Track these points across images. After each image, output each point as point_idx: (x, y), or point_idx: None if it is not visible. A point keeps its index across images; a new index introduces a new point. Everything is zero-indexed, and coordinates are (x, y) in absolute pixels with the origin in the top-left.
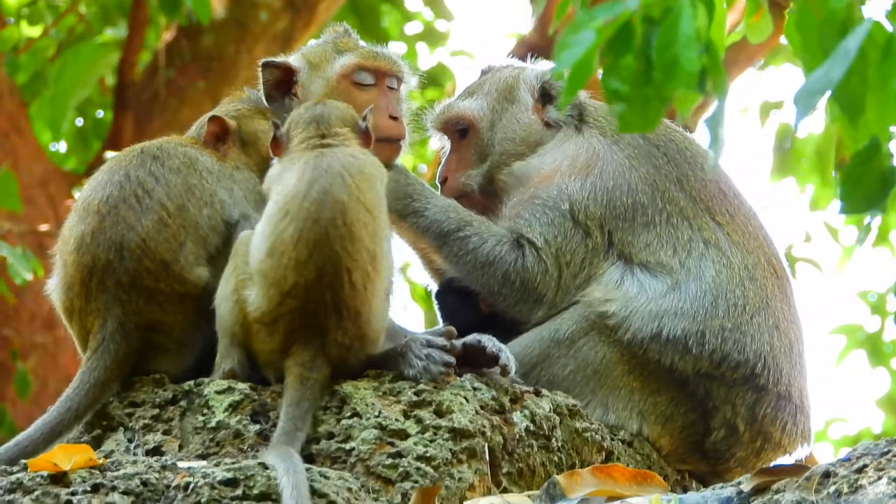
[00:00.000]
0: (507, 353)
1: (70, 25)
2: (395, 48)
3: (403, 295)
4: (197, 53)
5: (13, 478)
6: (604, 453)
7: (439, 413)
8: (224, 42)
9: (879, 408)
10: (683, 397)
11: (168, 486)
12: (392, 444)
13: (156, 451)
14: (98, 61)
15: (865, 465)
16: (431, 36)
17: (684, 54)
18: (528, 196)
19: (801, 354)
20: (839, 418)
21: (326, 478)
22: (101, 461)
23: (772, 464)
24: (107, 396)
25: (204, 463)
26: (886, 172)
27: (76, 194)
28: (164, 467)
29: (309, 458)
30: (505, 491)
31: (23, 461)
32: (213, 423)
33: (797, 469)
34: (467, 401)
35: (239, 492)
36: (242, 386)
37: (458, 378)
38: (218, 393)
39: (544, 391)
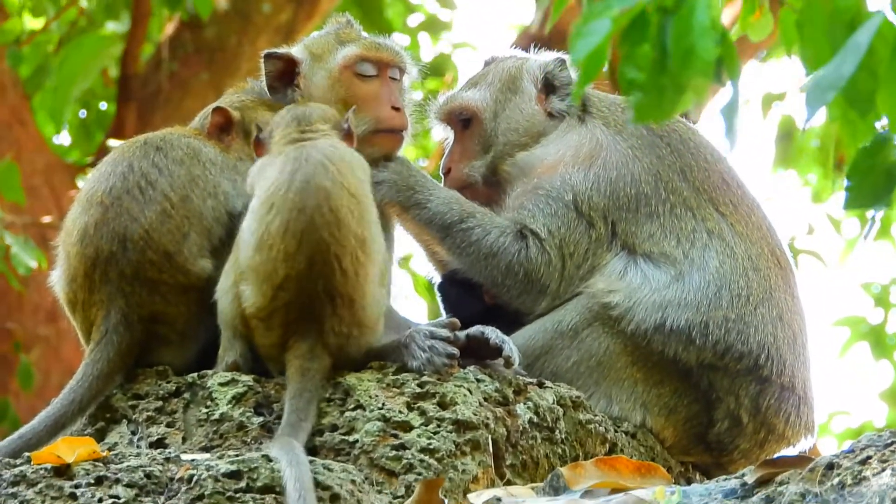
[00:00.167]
0: (511, 345)
1: (73, 18)
2: (398, 39)
3: (406, 286)
4: (200, 45)
5: (17, 470)
6: (607, 445)
7: (443, 405)
8: (227, 33)
9: (882, 400)
10: (687, 388)
11: (171, 479)
12: (396, 437)
13: (159, 444)
14: (101, 53)
15: (869, 457)
16: (434, 26)
17: (700, 43)
18: (532, 187)
19: (805, 345)
20: (842, 411)
21: (330, 470)
22: (104, 454)
23: (775, 455)
24: (110, 388)
25: (207, 455)
26: (892, 168)
27: (80, 185)
28: (167, 460)
29: (312, 450)
30: (508, 483)
31: (26, 454)
32: (216, 416)
33: (801, 461)
34: (471, 392)
35: (242, 484)
36: (246, 378)
37: (461, 370)
38: (221, 385)
39: (548, 383)
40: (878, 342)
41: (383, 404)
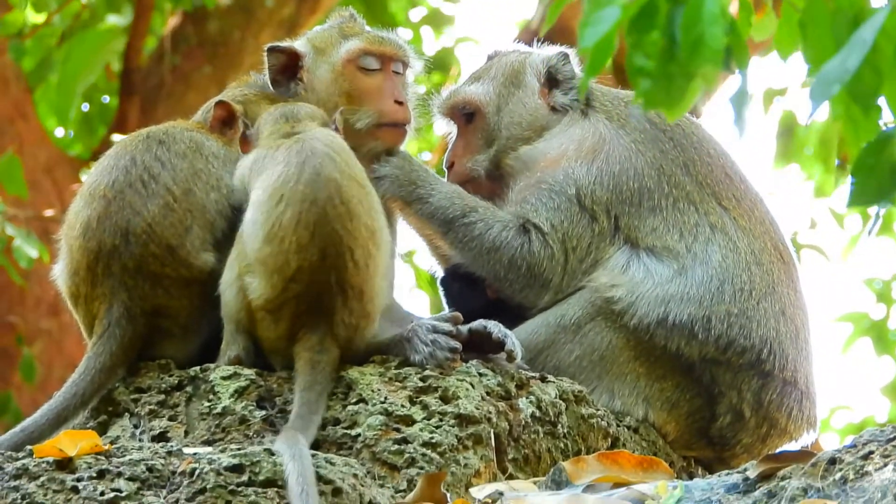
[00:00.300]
0: (513, 339)
1: (75, 11)
2: (401, 33)
3: (408, 280)
4: (203, 39)
5: (19, 464)
6: (609, 439)
7: (445, 399)
8: (230, 27)
9: (884, 396)
10: (689, 383)
11: (174, 472)
12: (398, 430)
13: (161, 437)
14: (104, 47)
15: (871, 452)
16: (437, 21)
17: (709, 31)
18: (535, 181)
19: (807, 340)
20: (843, 406)
21: (332, 464)
22: (106, 447)
23: (778, 450)
24: (112, 382)
25: (209, 449)
26: None
27: (82, 179)
28: (169, 453)
29: (314, 444)
30: (511, 477)
31: (28, 447)
32: (218, 409)
33: (803, 455)
34: (473, 387)
35: (245, 478)
36: (248, 372)
37: (463, 364)
38: (224, 379)
39: (550, 377)
40: (880, 338)
41: (385, 398)
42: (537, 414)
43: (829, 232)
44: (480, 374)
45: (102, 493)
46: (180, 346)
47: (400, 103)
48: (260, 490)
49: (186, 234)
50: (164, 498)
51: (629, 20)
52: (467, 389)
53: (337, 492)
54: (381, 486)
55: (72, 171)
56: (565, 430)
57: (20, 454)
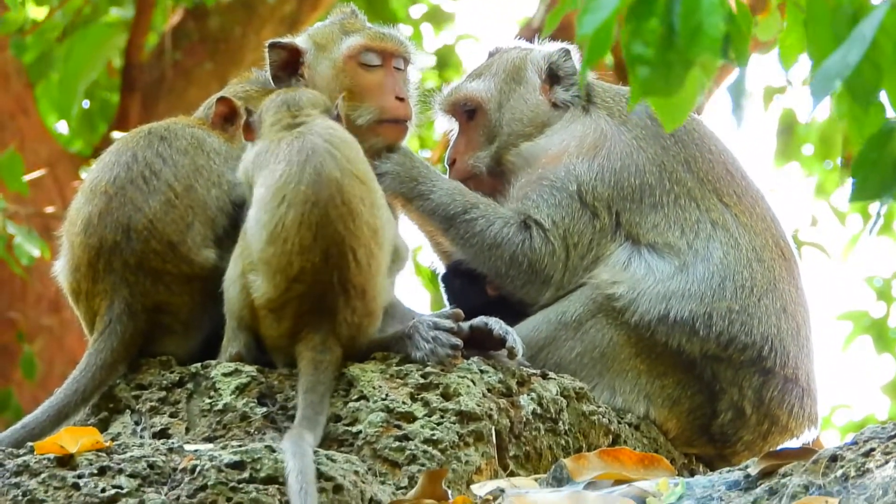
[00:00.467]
0: (514, 336)
1: (77, 7)
2: (402, 30)
3: (409, 276)
4: (204, 35)
5: (20, 460)
6: (611, 436)
7: (446, 396)
8: (231, 24)
9: (884, 394)
10: (690, 380)
11: (175, 469)
12: (399, 427)
13: (162, 434)
14: (105, 43)
15: (873, 449)
16: (437, 17)
17: (708, 20)
18: (536, 177)
19: (809, 337)
20: (844, 404)
21: (333, 461)
22: (107, 444)
23: (779, 447)
24: (113, 378)
25: (210, 446)
26: None
27: (83, 175)
28: (170, 450)
29: None
30: (512, 474)
31: (29, 444)
32: (219, 406)
33: (804, 453)
34: (474, 384)
35: (245, 475)
36: (249, 368)
37: (465, 361)
38: (225, 375)
39: (551, 374)
40: (880, 336)
41: (387, 395)
42: (538, 411)
43: (830, 230)
44: (482, 371)
45: (103, 490)
46: (181, 342)
47: (401, 100)
48: (261, 487)
49: (188, 231)
50: (165, 495)
51: (628, 8)
52: (468, 386)
53: (338, 489)
54: (382, 482)
55: (73, 168)
56: (566, 427)
57: (21, 451)
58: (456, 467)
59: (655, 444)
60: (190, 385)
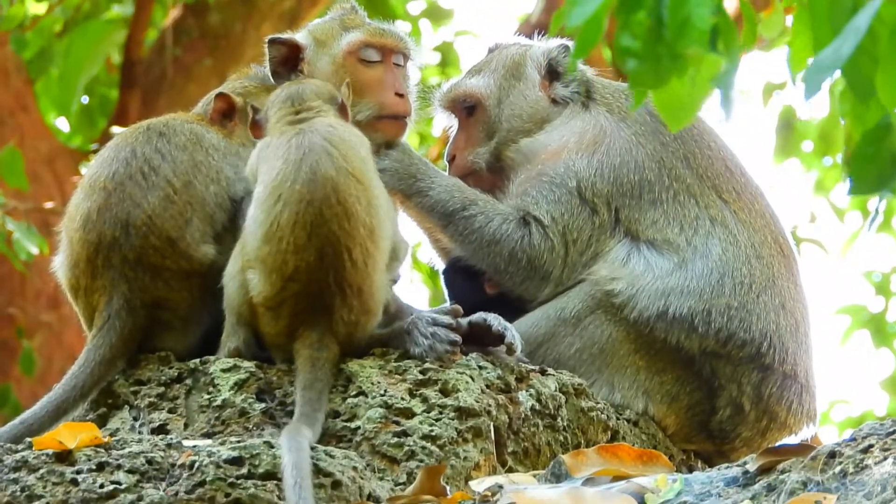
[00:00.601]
0: (513, 332)
1: (77, 3)
2: (400, 26)
3: (407, 271)
4: (204, 31)
5: (18, 456)
6: (609, 433)
7: (445, 392)
8: (231, 19)
9: (883, 389)
10: (689, 376)
11: (173, 465)
12: (397, 423)
13: (161, 430)
14: (105, 39)
15: (871, 446)
16: (436, 14)
17: (696, 12)
18: (536, 173)
19: (807, 334)
20: (842, 400)
21: (332, 457)
22: (106, 439)
23: (777, 443)
24: (112, 374)
25: (209, 441)
26: None
27: (83, 171)
28: (169, 446)
29: None
30: (510, 470)
31: (28, 439)
32: (218, 402)
33: (803, 449)
34: (473, 380)
35: (244, 470)
36: (248, 364)
37: (463, 357)
38: (223, 371)
39: (550, 370)
40: (878, 330)
41: (385, 391)
42: (537, 407)
43: (829, 226)
44: (480, 367)
45: (102, 486)
46: (180, 338)
47: (401, 95)
48: (259, 483)
49: (186, 227)
50: (164, 490)
51: (618, 1)
52: (467, 382)
53: (336, 484)
54: (381, 478)
55: (72, 164)
56: (565, 423)
57: (20, 446)
58: (454, 463)
59: (654, 440)
60: (188, 381)
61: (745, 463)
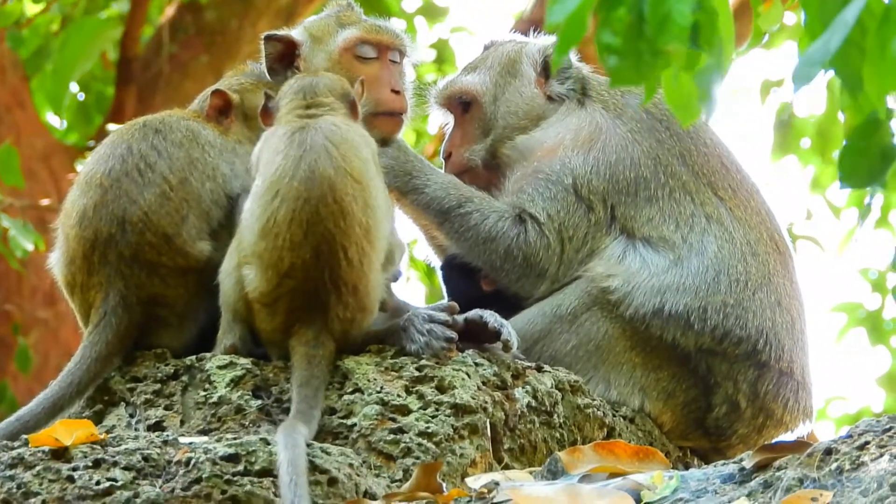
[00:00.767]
0: (509, 329)
1: (73, 1)
2: (397, 23)
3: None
4: (200, 28)
5: (14, 453)
6: (605, 429)
7: (441, 389)
8: (227, 16)
9: (879, 386)
10: (685, 373)
11: (169, 462)
12: (394, 420)
13: (157, 427)
14: (101, 36)
15: (867, 442)
16: (431, 11)
17: (676, 8)
18: (532, 170)
19: (803, 331)
20: (839, 396)
21: (328, 454)
22: (102, 436)
23: (774, 440)
24: (108, 371)
25: (205, 438)
26: (887, 148)
27: (79, 168)
28: (165, 443)
29: None
30: (507, 467)
31: (24, 436)
32: (214, 399)
33: (799, 446)
34: (469, 376)
35: (240, 467)
36: (244, 361)
37: (459, 353)
38: (220, 368)
39: (546, 367)
40: (875, 328)
41: (381, 388)
42: (533, 404)
43: (825, 223)
44: (476, 364)
45: (98, 483)
46: (176, 334)
47: (396, 92)
48: (255, 479)
49: (182, 223)
50: (160, 487)
51: None
52: (463, 379)
53: (332, 481)
54: (377, 475)
55: (68, 161)
56: (561, 420)
57: (16, 443)
58: (451, 460)
59: (650, 437)
60: (185, 377)
61: (741, 460)
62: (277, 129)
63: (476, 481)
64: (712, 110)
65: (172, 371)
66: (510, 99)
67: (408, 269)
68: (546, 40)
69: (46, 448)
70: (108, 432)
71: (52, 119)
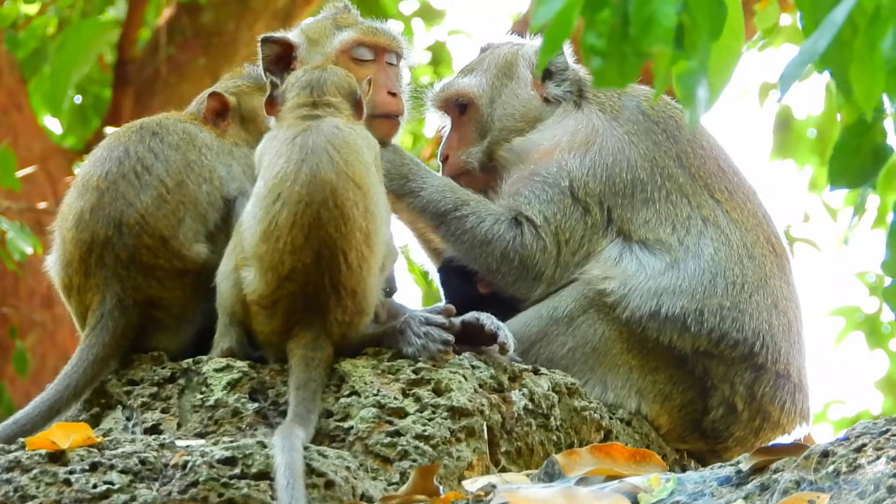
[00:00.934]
0: (506, 331)
1: (70, 2)
2: (394, 25)
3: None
4: (197, 30)
5: (11, 456)
6: (602, 432)
7: (438, 391)
8: (224, 18)
9: (878, 389)
10: (682, 376)
11: (166, 465)
12: (390, 423)
13: (154, 430)
14: (98, 38)
15: (864, 445)
16: (428, 14)
17: (661, 10)
18: (528, 173)
19: (800, 333)
20: (838, 400)
21: (325, 456)
22: (99, 439)
23: (770, 443)
24: (105, 374)
25: (202, 441)
26: (879, 148)
27: (76, 170)
28: (162, 446)
29: None
30: (503, 470)
31: (21, 439)
32: (211, 402)
33: (796, 448)
34: (466, 379)
35: (237, 470)
36: (241, 364)
37: (456, 356)
38: (216, 371)
39: (543, 369)
40: (872, 331)
41: (378, 391)
42: (530, 406)
43: (822, 225)
44: (473, 367)
45: (95, 486)
46: (173, 337)
47: (393, 94)
48: (252, 483)
49: (179, 226)
50: (157, 490)
51: (584, 0)
52: (460, 382)
53: (329, 484)
54: (374, 478)
55: (66, 163)
56: (558, 423)
57: (12, 446)
58: (447, 463)
59: (647, 439)
60: (181, 380)
61: (738, 462)
62: (279, 131)
63: (473, 484)
64: (697, 114)
65: (169, 374)
66: (507, 101)
67: (406, 271)
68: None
69: (43, 451)
70: (104, 435)
71: (49, 122)
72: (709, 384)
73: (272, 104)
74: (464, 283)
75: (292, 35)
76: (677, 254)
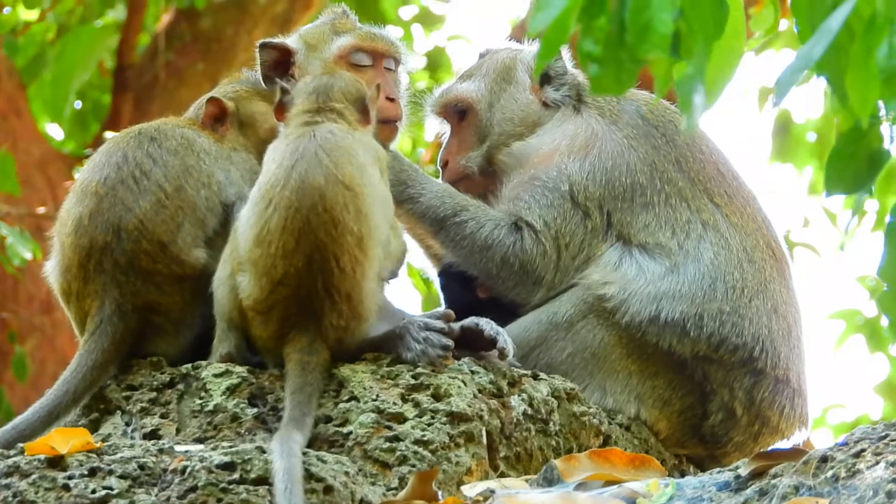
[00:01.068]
0: (505, 337)
1: (69, 8)
2: (392, 31)
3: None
4: (196, 35)
5: (10, 461)
6: (601, 437)
7: (437, 397)
8: (223, 24)
9: (877, 394)
10: (681, 381)
11: (165, 470)
12: (390, 428)
13: (153, 435)
14: (97, 44)
15: (863, 450)
16: (427, 19)
17: (657, 17)
18: (528, 177)
19: (800, 338)
20: (837, 404)
21: (323, 462)
22: (98, 445)
23: (769, 448)
24: (104, 379)
25: (201, 446)
26: (874, 154)
27: (75, 176)
28: (161, 451)
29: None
30: (502, 475)
31: (20, 445)
32: (210, 407)
33: (795, 453)
34: (465, 384)
35: (236, 476)
36: (240, 369)
37: (455, 361)
38: (215, 376)
39: (542, 375)
40: (873, 335)
41: (377, 396)
42: (529, 412)
43: (822, 230)
44: (472, 372)
45: (94, 491)
46: (172, 342)
47: (392, 100)
48: (251, 488)
49: (178, 231)
50: (156, 496)
51: (581, 6)
52: (459, 387)
53: (328, 490)
54: (373, 483)
55: (65, 168)
56: (557, 428)
57: (11, 452)
58: (446, 468)
59: (646, 444)
60: (181, 386)
61: (737, 467)
62: (283, 137)
63: (472, 489)
64: (695, 119)
65: (168, 379)
66: (506, 106)
67: (406, 275)
68: None
69: (42, 456)
70: (103, 441)
71: (50, 128)
72: (708, 389)
73: (281, 110)
74: (463, 288)
75: (291, 41)
76: (677, 258)
